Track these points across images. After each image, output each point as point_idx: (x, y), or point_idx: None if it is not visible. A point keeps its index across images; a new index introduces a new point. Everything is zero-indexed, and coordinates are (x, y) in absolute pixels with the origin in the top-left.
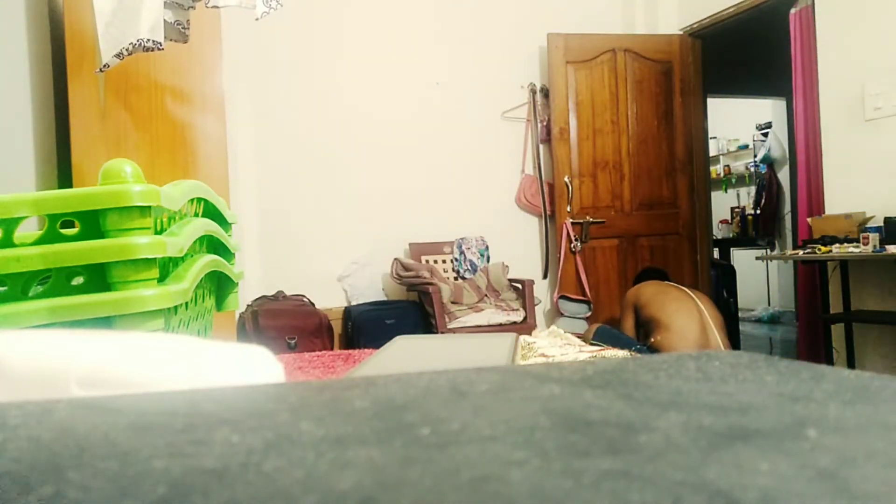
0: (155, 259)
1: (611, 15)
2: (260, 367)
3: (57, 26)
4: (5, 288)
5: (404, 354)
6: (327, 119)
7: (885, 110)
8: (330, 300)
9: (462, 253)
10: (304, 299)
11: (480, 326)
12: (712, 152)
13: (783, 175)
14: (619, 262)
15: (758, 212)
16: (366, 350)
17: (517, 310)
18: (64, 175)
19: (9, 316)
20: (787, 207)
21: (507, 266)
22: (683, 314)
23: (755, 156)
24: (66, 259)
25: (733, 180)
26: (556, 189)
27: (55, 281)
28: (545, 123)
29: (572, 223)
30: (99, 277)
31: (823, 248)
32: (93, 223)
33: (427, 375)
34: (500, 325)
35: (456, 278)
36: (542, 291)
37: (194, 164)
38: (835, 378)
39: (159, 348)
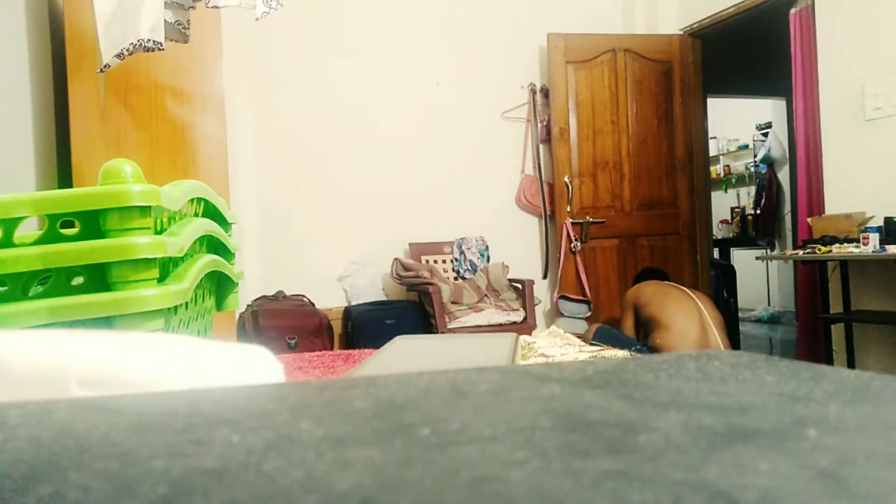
0: (155, 259)
1: (611, 15)
2: (260, 367)
3: (57, 26)
4: (5, 288)
5: (404, 354)
6: (327, 119)
7: (885, 110)
8: (330, 300)
9: (462, 253)
10: (304, 299)
11: (480, 326)
12: (712, 152)
13: (783, 175)
14: (619, 262)
15: (758, 212)
16: (366, 350)
17: (517, 310)
18: (64, 175)
19: (9, 316)
20: (787, 207)
21: (507, 266)
22: (683, 314)
23: (755, 156)
24: (66, 259)
25: (733, 180)
26: (556, 189)
27: (55, 281)
28: (545, 123)
29: (572, 223)
30: (99, 277)
31: (823, 248)
32: (93, 223)
33: (427, 375)
34: (500, 325)
35: (456, 278)
36: (542, 291)
37: (194, 164)
38: (835, 378)
39: (159, 348)
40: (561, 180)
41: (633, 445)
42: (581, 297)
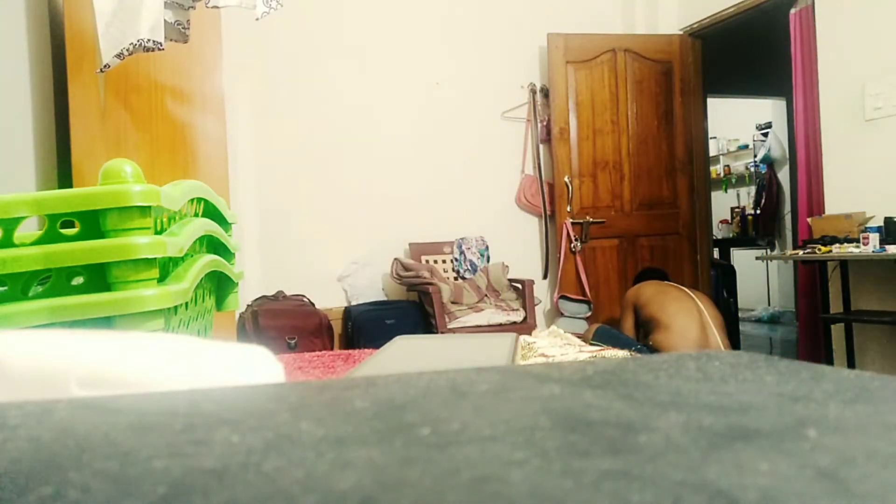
0: (155, 259)
1: (611, 15)
2: (260, 367)
3: (57, 26)
4: (5, 288)
5: (404, 354)
6: (327, 119)
7: (885, 110)
8: (330, 300)
9: (462, 253)
10: (304, 299)
11: (480, 326)
12: (712, 152)
13: (783, 175)
14: (619, 262)
15: (758, 212)
16: (366, 350)
17: (517, 310)
18: (64, 175)
19: (9, 316)
20: (787, 207)
21: (507, 266)
22: (683, 314)
23: (755, 156)
24: (66, 259)
25: (733, 180)
26: (556, 189)
27: (55, 281)
28: (545, 123)
29: (572, 223)
30: (99, 277)
31: (823, 248)
32: (93, 223)
33: (427, 375)
34: (500, 325)
35: (456, 278)
36: (542, 291)
37: (194, 164)
38: (835, 378)
39: (159, 348)
40: (561, 180)
41: (633, 445)
42: (581, 297)
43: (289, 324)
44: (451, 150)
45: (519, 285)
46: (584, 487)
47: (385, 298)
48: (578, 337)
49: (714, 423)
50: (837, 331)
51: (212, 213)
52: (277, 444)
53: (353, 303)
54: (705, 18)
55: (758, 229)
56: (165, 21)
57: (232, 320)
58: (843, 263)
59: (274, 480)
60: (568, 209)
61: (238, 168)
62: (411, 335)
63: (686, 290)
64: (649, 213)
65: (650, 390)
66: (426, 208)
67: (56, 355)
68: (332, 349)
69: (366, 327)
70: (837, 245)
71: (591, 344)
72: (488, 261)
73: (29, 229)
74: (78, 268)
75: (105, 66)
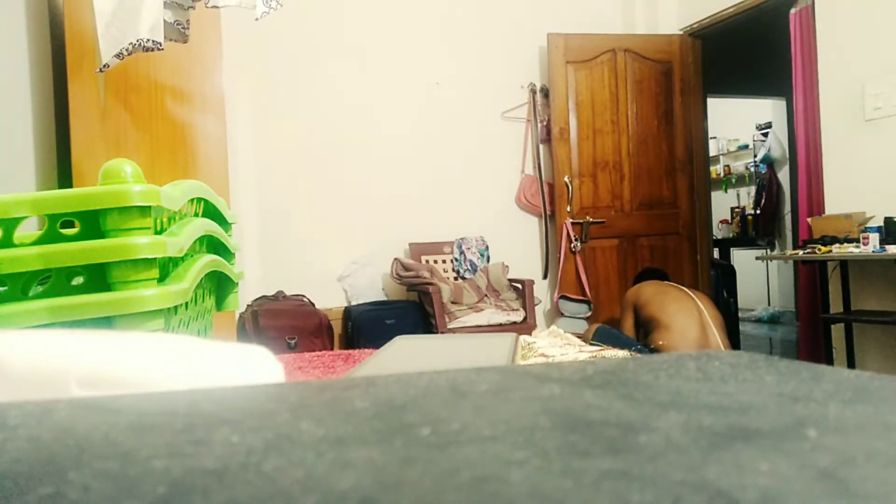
0: (155, 259)
1: (611, 15)
2: (260, 367)
3: (57, 26)
4: (5, 288)
5: (404, 354)
6: (327, 119)
7: (885, 110)
8: (330, 300)
9: (462, 253)
10: (304, 299)
11: (480, 326)
12: (712, 152)
13: (783, 175)
14: (619, 262)
15: (758, 212)
16: (366, 350)
17: (517, 310)
18: (64, 175)
19: (9, 316)
20: (787, 207)
21: (507, 266)
22: (683, 314)
23: (755, 156)
24: (66, 259)
25: (733, 180)
26: (556, 189)
27: (55, 281)
28: (545, 123)
29: (572, 223)
30: (99, 277)
31: (823, 248)
32: (93, 223)
33: (427, 375)
34: (500, 325)
35: (456, 278)
36: (542, 291)
37: (194, 164)
38: (835, 378)
39: (159, 348)
40: (561, 180)
41: (633, 445)
42: (581, 297)
43: (289, 324)
44: (451, 150)
45: (519, 285)
46: (584, 487)
47: (385, 298)
48: (578, 337)
49: (714, 423)
50: (837, 331)
51: (212, 213)
52: (277, 444)
53: (353, 303)
54: (705, 18)
55: (758, 229)
56: (165, 21)
57: (232, 320)
58: (843, 263)
59: (274, 480)
60: (568, 209)
61: (238, 168)
62: (411, 335)
63: (686, 290)
64: (649, 213)
65: (650, 390)
66: (426, 208)
67: (56, 355)
68: (332, 349)
69: (366, 327)
70: (837, 245)
71: (591, 344)
72: (488, 261)
73: (29, 229)
74: (78, 268)
75: (104, 66)
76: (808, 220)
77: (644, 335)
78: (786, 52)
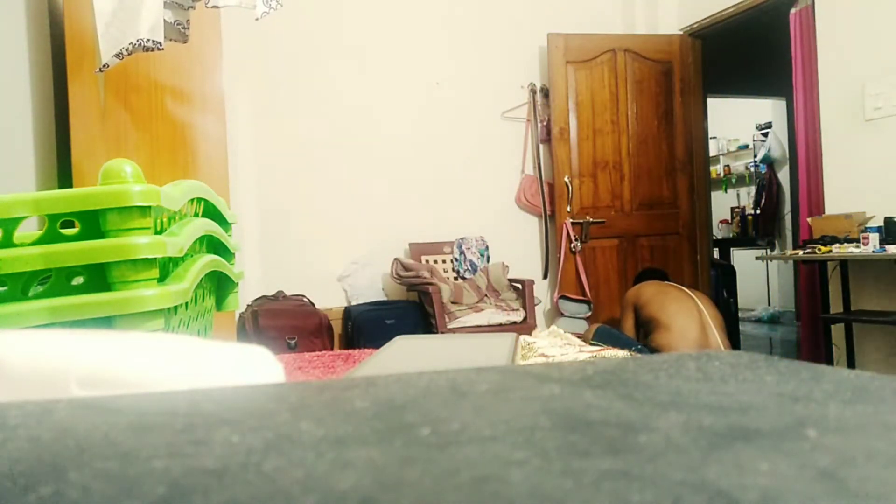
0: (155, 259)
1: (611, 15)
2: (260, 367)
3: (57, 26)
4: (5, 288)
5: (404, 354)
6: (327, 119)
7: (885, 110)
8: (330, 300)
9: (462, 253)
10: (304, 299)
11: (480, 326)
12: (712, 152)
13: (783, 175)
14: (619, 262)
15: (758, 212)
16: (366, 350)
17: (517, 310)
18: (64, 175)
19: (9, 316)
20: (787, 207)
21: (507, 266)
22: (683, 314)
23: (755, 156)
24: (66, 259)
25: (733, 180)
26: (556, 189)
27: (55, 281)
28: (545, 123)
29: (572, 223)
30: (99, 277)
31: (823, 248)
32: (93, 223)
33: (427, 375)
34: (500, 325)
35: (456, 278)
36: (542, 291)
37: (194, 164)
38: (835, 378)
39: (159, 348)
40: (561, 180)
41: (633, 445)
42: (581, 297)
43: (289, 324)
44: (451, 150)
45: (519, 285)
46: (584, 487)
47: (385, 298)
48: (578, 337)
49: (714, 423)
50: (837, 331)
51: (212, 213)
52: (277, 444)
53: (353, 303)
54: (705, 18)
55: (758, 229)
56: (165, 21)
57: (232, 320)
58: (843, 263)
59: (274, 480)
60: (568, 209)
61: (238, 168)
62: (411, 335)
63: (686, 290)
64: (649, 213)
65: (650, 390)
66: (426, 208)
67: (56, 355)
68: (332, 349)
69: (366, 327)
70: (837, 245)
71: (591, 344)
72: (488, 261)
73: (29, 229)
74: (78, 268)
75: (104, 66)
76: (808, 220)
77: (644, 335)
78: (786, 52)
